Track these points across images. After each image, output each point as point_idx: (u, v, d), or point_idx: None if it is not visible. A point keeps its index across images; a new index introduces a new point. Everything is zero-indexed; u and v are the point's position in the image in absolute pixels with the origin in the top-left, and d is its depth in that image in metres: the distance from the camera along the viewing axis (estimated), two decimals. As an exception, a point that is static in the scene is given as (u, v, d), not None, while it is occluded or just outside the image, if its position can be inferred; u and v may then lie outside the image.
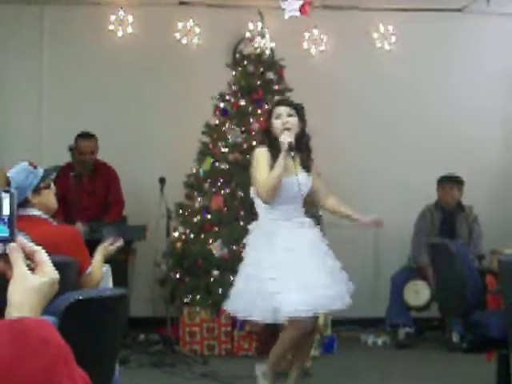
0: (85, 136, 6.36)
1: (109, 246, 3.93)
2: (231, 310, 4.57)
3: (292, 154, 4.31)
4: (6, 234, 1.31)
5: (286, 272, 4.30)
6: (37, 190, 3.56)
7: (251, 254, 4.51)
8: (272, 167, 4.38)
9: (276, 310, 4.25)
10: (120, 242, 4.02)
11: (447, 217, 6.70)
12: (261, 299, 4.30)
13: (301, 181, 4.42)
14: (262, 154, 4.50)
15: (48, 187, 3.64)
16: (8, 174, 3.39)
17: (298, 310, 4.23)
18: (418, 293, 6.54)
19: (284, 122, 4.43)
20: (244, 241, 4.68)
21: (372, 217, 4.62)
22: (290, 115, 4.47)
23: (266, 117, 4.70)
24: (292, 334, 4.45)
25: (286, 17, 5.20)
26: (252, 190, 4.65)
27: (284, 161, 4.30)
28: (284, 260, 4.34)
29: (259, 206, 4.59)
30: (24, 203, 3.50)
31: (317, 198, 4.74)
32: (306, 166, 4.59)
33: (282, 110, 4.49)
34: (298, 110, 4.55)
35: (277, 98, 6.07)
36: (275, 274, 4.30)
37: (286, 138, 4.31)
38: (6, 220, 1.31)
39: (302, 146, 4.53)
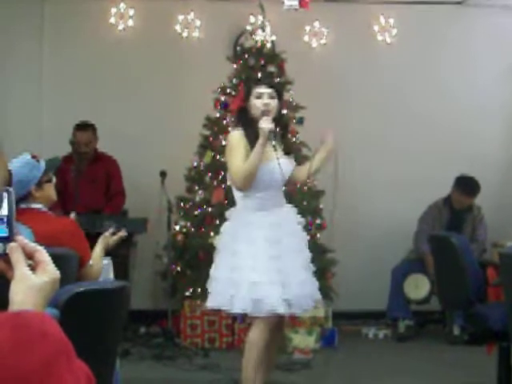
0: (81, 127, 6.36)
1: (110, 236, 3.91)
2: (214, 304, 4.26)
3: (274, 142, 4.08)
4: (5, 234, 1.30)
5: (266, 264, 4.13)
6: (39, 184, 3.56)
7: (228, 243, 4.26)
8: (248, 150, 4.16)
9: (256, 302, 4.07)
10: (123, 233, 3.98)
11: (455, 216, 6.64)
12: (241, 290, 4.10)
13: (282, 166, 4.17)
14: (236, 138, 4.22)
15: (50, 181, 3.65)
16: (10, 167, 3.37)
17: (275, 306, 4.08)
18: (418, 286, 6.54)
19: (266, 104, 4.18)
20: (221, 228, 4.43)
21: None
22: (271, 97, 4.22)
23: (243, 95, 4.45)
24: (262, 332, 4.17)
25: (285, 8, 5.18)
26: (228, 177, 4.46)
27: (262, 148, 4.06)
28: (264, 251, 4.14)
29: (237, 193, 4.33)
30: (27, 197, 3.51)
31: (294, 177, 4.49)
32: (288, 150, 4.41)
33: (265, 91, 4.22)
34: (278, 91, 4.33)
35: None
36: (255, 265, 4.11)
37: (267, 125, 4.04)
38: (5, 219, 1.30)
39: (280, 127, 4.34)
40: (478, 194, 6.59)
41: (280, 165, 4.12)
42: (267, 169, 4.16)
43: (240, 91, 6.01)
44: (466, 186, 6.58)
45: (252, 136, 4.13)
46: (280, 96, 4.33)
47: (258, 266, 4.12)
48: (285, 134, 4.47)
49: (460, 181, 6.61)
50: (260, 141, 4.05)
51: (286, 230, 4.27)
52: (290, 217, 4.36)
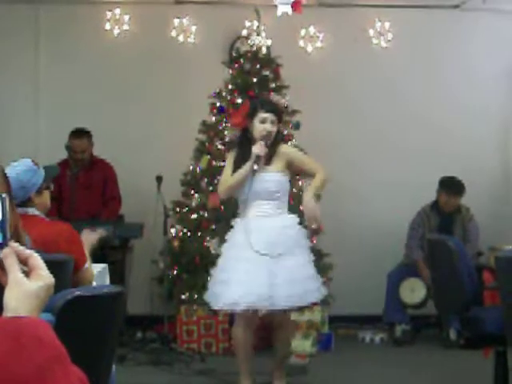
0: (76, 134, 6.35)
1: (89, 237, 3.91)
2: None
3: (256, 167, 4.49)
4: None
5: (234, 265, 4.53)
6: (39, 190, 3.59)
7: (226, 247, 4.72)
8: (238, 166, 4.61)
9: (215, 296, 4.60)
10: (100, 232, 4.00)
11: (444, 219, 6.66)
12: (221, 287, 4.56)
13: (270, 178, 4.58)
14: (230, 157, 4.78)
15: (48, 188, 3.68)
16: (12, 170, 3.39)
17: (235, 303, 4.45)
18: (414, 291, 6.54)
19: (268, 131, 4.58)
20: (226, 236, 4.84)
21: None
22: (272, 123, 4.61)
23: (246, 113, 4.78)
24: (236, 329, 4.70)
25: (279, 13, 5.21)
26: None
27: (249, 169, 4.51)
28: (235, 253, 4.57)
29: (240, 203, 4.73)
30: (26, 202, 3.53)
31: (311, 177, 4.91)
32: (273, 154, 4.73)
33: (268, 116, 4.60)
34: (279, 115, 4.74)
35: (263, 97, 6.04)
36: (225, 265, 4.60)
37: (257, 150, 4.50)
38: None
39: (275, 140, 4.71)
40: (464, 193, 6.61)
41: (255, 177, 4.52)
42: (254, 180, 4.53)
43: (238, 102, 6.10)
44: (453, 185, 6.61)
45: (248, 151, 4.56)
46: (280, 119, 4.76)
47: (227, 266, 4.58)
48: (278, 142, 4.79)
49: (445, 182, 6.64)
50: (248, 163, 4.53)
51: (269, 236, 4.54)
52: (277, 224, 4.62)
